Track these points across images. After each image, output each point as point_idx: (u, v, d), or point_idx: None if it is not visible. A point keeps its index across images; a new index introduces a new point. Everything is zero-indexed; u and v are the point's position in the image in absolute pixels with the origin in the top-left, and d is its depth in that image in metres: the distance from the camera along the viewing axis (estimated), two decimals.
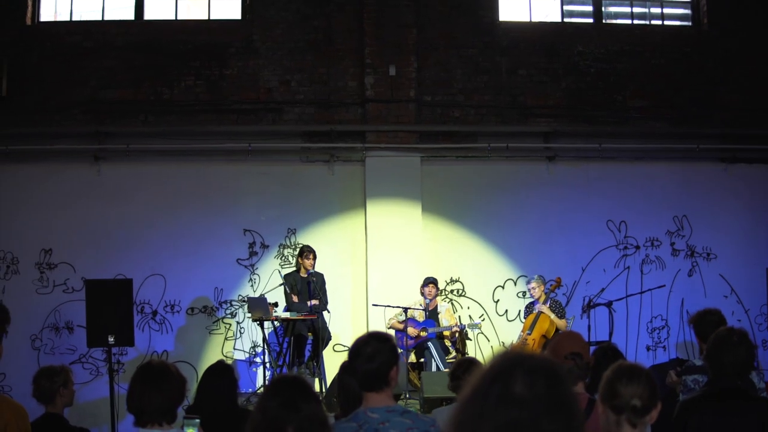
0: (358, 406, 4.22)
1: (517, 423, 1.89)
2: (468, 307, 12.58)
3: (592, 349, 9.62)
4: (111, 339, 9.91)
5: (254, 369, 12.01)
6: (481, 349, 12.33)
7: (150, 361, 4.47)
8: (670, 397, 6.26)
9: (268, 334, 11.26)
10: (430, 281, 11.43)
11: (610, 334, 11.11)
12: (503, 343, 12.13)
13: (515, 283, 12.57)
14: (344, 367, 5.51)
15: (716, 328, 6.08)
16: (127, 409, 4.29)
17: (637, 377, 3.34)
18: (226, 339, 12.18)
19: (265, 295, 11.56)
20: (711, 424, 4.54)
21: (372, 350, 4.05)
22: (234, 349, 12.17)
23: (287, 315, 10.81)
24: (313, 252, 11.17)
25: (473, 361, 6.02)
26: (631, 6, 13.63)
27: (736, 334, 4.74)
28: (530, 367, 1.97)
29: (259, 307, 10.53)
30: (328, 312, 11.29)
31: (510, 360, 2.00)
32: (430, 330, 11.20)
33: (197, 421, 4.34)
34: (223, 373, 6.11)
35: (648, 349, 12.74)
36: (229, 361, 11.94)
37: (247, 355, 12.15)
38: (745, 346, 4.69)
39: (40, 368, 5.86)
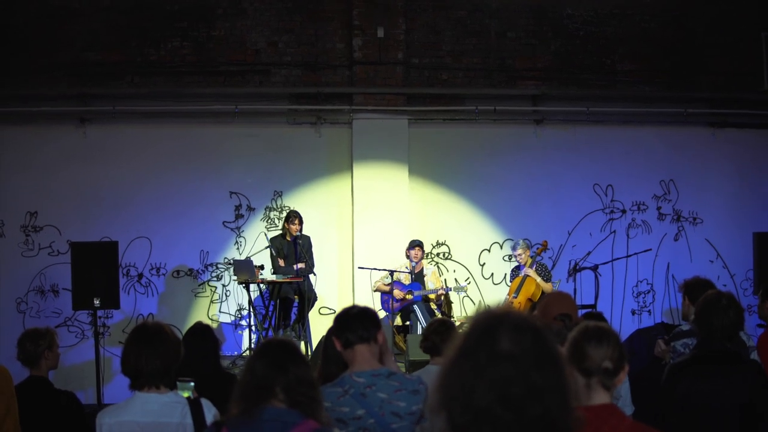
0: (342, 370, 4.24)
1: (509, 379, 1.94)
2: (454, 271, 12.60)
3: (579, 314, 9.76)
4: (96, 302, 9.90)
5: (239, 332, 12.04)
6: (467, 312, 12.35)
7: (145, 323, 4.42)
8: (655, 364, 6.28)
9: (255, 298, 11.26)
10: (416, 244, 11.42)
11: (596, 298, 11.16)
12: (488, 306, 12.12)
13: (501, 247, 12.58)
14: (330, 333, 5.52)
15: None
16: (123, 372, 4.25)
17: (606, 339, 3.29)
18: (211, 302, 12.18)
19: (251, 258, 11.54)
20: (700, 387, 4.55)
21: (358, 312, 4.24)
22: (219, 312, 12.18)
23: (273, 278, 10.81)
24: (300, 217, 11.13)
25: (447, 323, 6.02)
26: None
27: (725, 297, 4.76)
28: (514, 323, 2.02)
29: (245, 270, 10.52)
30: (314, 275, 11.28)
31: (494, 318, 2.04)
32: (416, 293, 11.21)
33: (191, 384, 4.32)
34: (204, 334, 6.06)
35: (633, 313, 12.79)
36: (215, 324, 11.98)
37: (233, 318, 12.17)
38: (734, 309, 4.71)
39: (24, 331, 5.79)
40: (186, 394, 4.25)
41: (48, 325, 11.16)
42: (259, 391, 3.45)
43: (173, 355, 4.25)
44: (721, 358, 4.64)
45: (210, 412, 4.19)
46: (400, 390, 4.07)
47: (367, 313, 4.26)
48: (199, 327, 6.21)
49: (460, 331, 2.10)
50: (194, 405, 4.19)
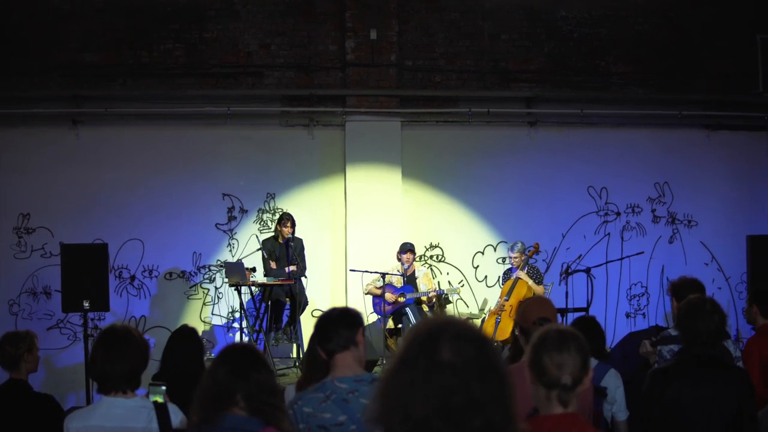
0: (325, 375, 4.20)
1: (449, 389, 1.90)
2: (447, 273, 12.57)
3: (571, 317, 9.72)
4: (86, 304, 9.86)
5: (231, 334, 12.01)
6: (461, 315, 12.32)
7: (113, 326, 4.41)
8: (644, 367, 6.24)
9: (247, 300, 11.23)
10: (407, 248, 11.37)
11: (588, 302, 11.12)
12: (482, 309, 12.11)
13: (495, 249, 12.55)
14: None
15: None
16: (90, 376, 4.24)
17: (567, 348, 3.15)
18: (204, 304, 12.16)
19: (243, 260, 11.52)
20: (689, 393, 4.50)
21: (338, 314, 4.18)
22: (212, 314, 12.16)
23: (264, 280, 10.79)
24: (292, 219, 11.10)
25: None
26: None
27: (708, 302, 4.71)
28: (456, 333, 1.98)
29: (236, 272, 10.49)
30: (306, 277, 11.25)
31: (435, 327, 2.00)
32: (408, 296, 11.17)
33: (163, 388, 4.29)
34: (189, 336, 6.13)
35: (627, 316, 12.76)
36: (207, 327, 11.98)
37: (225, 321, 12.14)
38: (718, 314, 4.66)
39: (4, 333, 5.73)
40: (158, 399, 4.22)
41: (41, 327, 11.50)
42: (219, 399, 3.42)
43: (140, 359, 4.24)
44: (706, 364, 4.60)
45: (177, 417, 4.17)
46: None
47: (345, 318, 4.19)
48: (186, 329, 6.27)
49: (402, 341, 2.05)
50: (160, 410, 4.15)
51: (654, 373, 4.80)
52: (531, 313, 4.84)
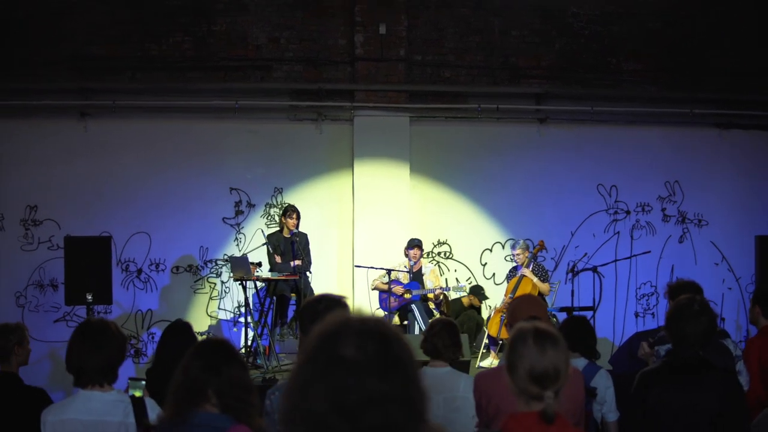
0: None
1: (348, 387, 1.83)
2: (455, 270, 12.51)
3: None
4: (89, 297, 9.86)
5: (235, 329, 11.98)
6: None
7: (89, 320, 4.43)
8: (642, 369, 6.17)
9: (252, 295, 11.20)
10: (414, 244, 11.31)
11: (595, 301, 11.02)
12: (489, 306, 12.03)
13: (503, 246, 12.48)
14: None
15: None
16: (67, 369, 4.22)
17: (542, 346, 3.12)
18: (210, 298, 12.14)
19: (248, 255, 11.48)
20: (672, 396, 4.44)
21: (324, 308, 3.92)
22: (218, 308, 12.14)
23: (269, 275, 10.75)
24: (297, 212, 11.04)
25: (449, 325, 5.89)
26: None
27: (697, 302, 4.60)
28: (359, 329, 1.91)
29: (241, 267, 10.44)
30: (310, 273, 11.19)
31: (339, 323, 1.94)
32: (414, 292, 11.11)
33: (143, 383, 4.28)
34: (183, 330, 6.14)
35: (636, 315, 12.67)
36: (214, 321, 11.97)
37: (232, 315, 12.11)
38: (708, 316, 4.56)
39: None
40: (136, 393, 4.20)
41: (47, 320, 11.52)
42: (190, 394, 3.39)
43: (117, 352, 4.23)
44: (694, 366, 4.52)
45: (154, 412, 4.14)
46: None
47: (330, 310, 3.94)
48: (180, 324, 6.29)
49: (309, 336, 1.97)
50: (137, 404, 4.14)
51: (642, 374, 4.72)
52: (521, 311, 4.81)
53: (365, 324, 1.93)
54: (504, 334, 10.30)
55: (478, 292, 11.77)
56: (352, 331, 1.90)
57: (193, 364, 3.44)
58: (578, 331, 6.00)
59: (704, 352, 4.64)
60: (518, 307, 4.96)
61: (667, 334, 4.71)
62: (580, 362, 5.67)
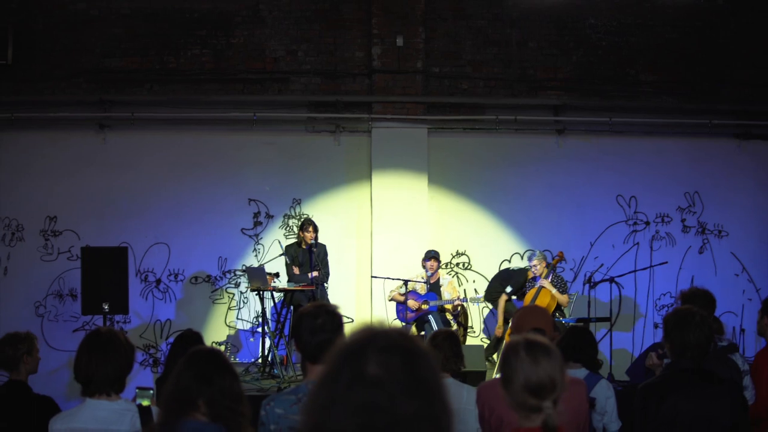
0: None
1: (372, 406, 1.76)
2: (474, 281, 12.46)
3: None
4: (105, 306, 9.91)
5: (251, 340, 11.99)
6: (486, 323, 12.24)
7: (98, 329, 4.44)
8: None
9: (271, 306, 11.20)
10: (431, 256, 11.29)
11: (612, 312, 10.92)
12: (511, 318, 11.96)
13: (522, 257, 12.41)
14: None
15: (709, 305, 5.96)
16: (75, 378, 4.24)
17: (536, 359, 3.12)
18: (229, 309, 12.16)
19: (266, 265, 11.49)
20: (684, 408, 4.40)
21: (322, 322, 3.93)
22: (237, 318, 12.15)
23: (285, 285, 10.75)
24: (314, 224, 11.02)
25: (450, 336, 5.89)
26: None
27: (698, 314, 4.58)
28: (384, 345, 1.84)
29: (258, 277, 10.45)
30: (327, 284, 11.15)
31: (362, 338, 1.87)
32: (432, 303, 11.08)
33: (151, 392, 4.30)
34: (193, 340, 6.17)
35: (656, 326, 12.54)
36: (232, 331, 11.98)
37: (250, 326, 12.12)
38: (707, 326, 4.55)
39: (4, 335, 5.74)
40: (144, 402, 4.22)
41: (66, 329, 11.57)
42: (181, 403, 3.42)
43: (125, 361, 4.25)
44: (699, 378, 4.48)
45: None
46: None
47: (325, 330, 3.93)
48: (190, 334, 6.40)
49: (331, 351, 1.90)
50: (144, 413, 4.15)
51: (644, 387, 4.67)
52: (525, 323, 4.81)
53: (390, 339, 1.86)
54: None
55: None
56: (376, 347, 1.83)
57: (184, 373, 3.47)
58: (579, 341, 5.97)
59: (709, 365, 4.62)
60: (522, 318, 4.97)
61: (667, 344, 4.65)
62: (580, 372, 5.65)
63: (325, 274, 11.04)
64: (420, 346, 1.89)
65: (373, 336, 1.86)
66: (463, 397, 5.33)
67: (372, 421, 1.75)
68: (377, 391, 1.77)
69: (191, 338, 6.22)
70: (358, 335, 1.88)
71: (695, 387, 4.43)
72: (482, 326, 12.26)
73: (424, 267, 11.37)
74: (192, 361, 3.53)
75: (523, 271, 11.53)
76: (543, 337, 3.25)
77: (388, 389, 1.77)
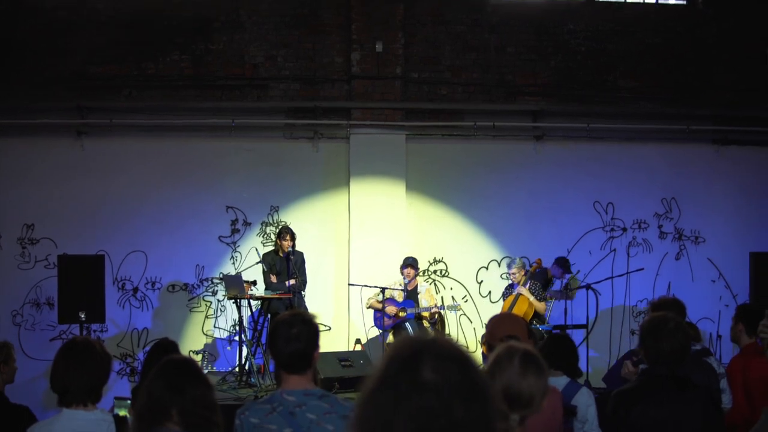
0: None
1: (431, 410, 1.81)
2: (451, 288, 12.50)
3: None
4: (82, 315, 9.90)
5: (228, 348, 12.00)
6: (464, 330, 12.27)
7: (74, 339, 4.44)
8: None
9: (249, 315, 11.20)
10: (408, 263, 11.29)
11: (589, 318, 11.00)
12: (485, 325, 12.00)
13: (499, 264, 12.45)
14: None
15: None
16: (51, 388, 4.24)
17: (521, 400, 3.14)
18: (206, 317, 12.16)
19: (242, 273, 11.50)
20: (653, 414, 4.42)
21: (298, 331, 3.93)
22: (214, 327, 12.16)
23: (262, 293, 10.76)
24: (291, 233, 11.03)
25: None
26: None
27: (672, 320, 4.59)
28: (438, 352, 1.90)
29: (235, 285, 10.46)
30: (304, 292, 11.18)
31: (417, 346, 1.92)
32: (409, 310, 11.10)
33: (128, 402, 4.32)
34: (169, 349, 6.08)
35: (632, 333, 12.57)
36: (209, 340, 11.98)
37: (227, 334, 12.12)
38: (682, 332, 4.54)
39: None
40: (121, 413, 4.23)
41: (43, 338, 11.53)
42: (153, 413, 3.42)
43: (102, 371, 4.25)
44: (673, 384, 4.50)
45: None
46: (330, 413, 3.92)
47: (300, 339, 3.94)
48: (165, 342, 6.28)
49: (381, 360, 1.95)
50: (120, 423, 4.18)
51: (616, 394, 4.69)
52: (499, 330, 4.78)
53: (443, 347, 1.92)
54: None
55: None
56: (431, 354, 1.88)
57: (156, 383, 3.47)
58: (560, 349, 5.99)
59: (685, 369, 4.63)
60: (496, 326, 4.93)
61: (642, 351, 4.68)
62: (561, 380, 5.67)
63: (302, 282, 11.06)
64: (468, 352, 1.95)
65: (426, 344, 1.91)
66: None
67: (431, 426, 1.80)
68: (434, 396, 1.82)
69: (167, 347, 6.18)
70: (409, 343, 1.93)
71: (667, 393, 4.44)
72: (460, 334, 12.28)
73: (402, 274, 11.39)
74: (164, 371, 3.53)
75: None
76: (530, 348, 3.27)
77: (445, 394, 1.82)
